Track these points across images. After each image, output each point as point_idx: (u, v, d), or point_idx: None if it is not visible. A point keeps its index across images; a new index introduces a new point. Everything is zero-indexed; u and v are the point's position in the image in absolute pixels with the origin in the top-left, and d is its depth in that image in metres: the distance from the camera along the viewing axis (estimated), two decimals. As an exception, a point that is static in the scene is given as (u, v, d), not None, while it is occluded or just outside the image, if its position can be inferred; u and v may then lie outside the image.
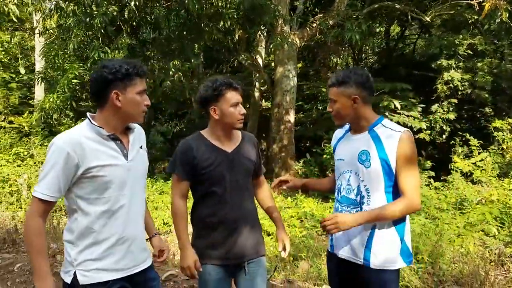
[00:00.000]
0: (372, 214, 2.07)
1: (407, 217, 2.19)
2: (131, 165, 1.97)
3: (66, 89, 9.04)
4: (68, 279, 1.88)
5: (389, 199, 2.12)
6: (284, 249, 2.48)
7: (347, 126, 2.37)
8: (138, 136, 2.08)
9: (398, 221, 2.13)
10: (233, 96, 2.29)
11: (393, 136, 2.09)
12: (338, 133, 2.47)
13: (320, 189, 2.64)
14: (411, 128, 10.38)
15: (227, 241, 2.32)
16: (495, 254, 4.60)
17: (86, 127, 1.92)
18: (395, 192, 2.12)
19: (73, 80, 9.02)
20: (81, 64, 9.11)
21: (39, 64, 12.09)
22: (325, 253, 5.01)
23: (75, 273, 1.87)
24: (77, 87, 9.61)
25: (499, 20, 5.86)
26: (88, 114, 1.95)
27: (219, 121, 2.31)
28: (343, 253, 2.23)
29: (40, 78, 10.32)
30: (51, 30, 9.10)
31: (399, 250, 2.14)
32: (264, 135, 14.88)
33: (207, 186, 2.32)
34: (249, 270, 2.38)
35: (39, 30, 8.13)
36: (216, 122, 2.33)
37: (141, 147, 2.08)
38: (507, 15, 5.31)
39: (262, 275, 2.44)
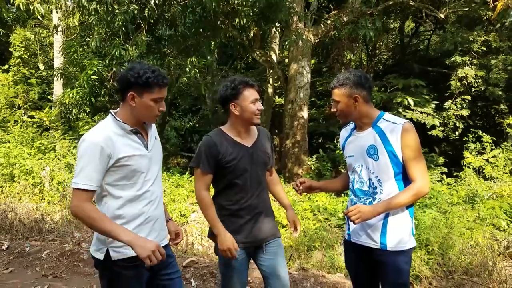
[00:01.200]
0: (389, 203, 2.26)
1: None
2: (151, 154, 2.23)
3: (85, 85, 9.27)
4: (100, 256, 2.11)
5: (400, 186, 2.31)
6: (295, 229, 2.74)
7: (352, 125, 2.57)
8: (153, 129, 2.33)
9: (408, 205, 2.34)
10: (251, 93, 2.50)
11: (396, 128, 2.28)
12: (344, 132, 2.66)
13: (335, 190, 2.84)
14: (424, 124, 10.45)
15: (248, 226, 2.55)
16: (503, 246, 4.71)
17: (112, 123, 2.15)
18: (405, 178, 2.31)
19: (92, 76, 9.26)
20: (100, 61, 9.35)
21: (58, 60, 12.37)
22: (338, 244, 5.20)
23: (107, 250, 2.10)
24: (96, 83, 9.84)
25: (511, 20, 5.92)
26: (111, 111, 2.18)
27: (239, 116, 2.51)
28: (360, 239, 2.43)
29: (59, 74, 10.60)
30: (72, 29, 9.34)
31: (410, 231, 2.36)
32: (277, 131, 15.04)
33: (230, 178, 2.51)
34: (268, 250, 2.60)
35: (61, 28, 8.35)
36: (236, 118, 2.53)
37: (155, 138, 2.33)
38: (519, 14, 5.40)
39: (282, 253, 2.67)
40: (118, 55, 7.58)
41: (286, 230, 5.86)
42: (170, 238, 2.53)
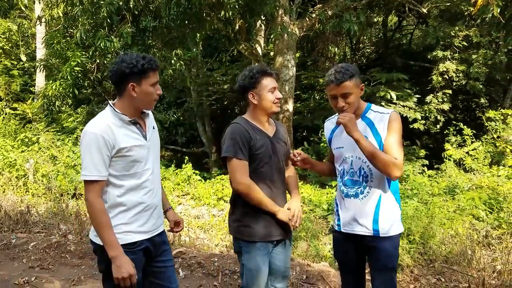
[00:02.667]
0: (370, 145, 2.29)
1: (398, 188, 2.47)
2: (150, 144, 2.28)
3: (68, 77, 9.19)
4: (99, 241, 2.17)
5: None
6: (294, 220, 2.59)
7: (336, 117, 2.54)
8: (151, 118, 2.38)
9: (395, 192, 2.43)
10: (269, 82, 2.51)
11: (384, 117, 2.36)
12: (329, 124, 2.68)
13: (321, 172, 2.86)
14: (406, 118, 10.64)
15: (273, 219, 2.51)
16: (482, 236, 4.88)
17: (110, 114, 2.20)
18: None
19: (75, 68, 9.19)
20: (83, 52, 9.27)
21: (41, 51, 12.20)
22: (322, 234, 5.30)
23: None
24: (79, 75, 9.76)
25: (490, 15, 6.05)
26: (109, 102, 2.24)
27: (258, 105, 2.52)
28: (352, 228, 2.48)
29: (42, 66, 10.47)
30: (55, 20, 9.22)
31: (399, 217, 2.45)
32: (262, 123, 15.07)
33: (256, 166, 2.49)
34: (286, 244, 2.65)
35: (45, 19, 8.24)
36: (255, 107, 2.54)
37: (153, 128, 2.38)
38: (498, 10, 5.51)
39: (290, 246, 2.74)
40: (102, 47, 7.52)
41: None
42: (170, 227, 2.59)
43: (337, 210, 2.61)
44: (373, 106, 2.47)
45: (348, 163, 2.48)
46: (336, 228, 2.61)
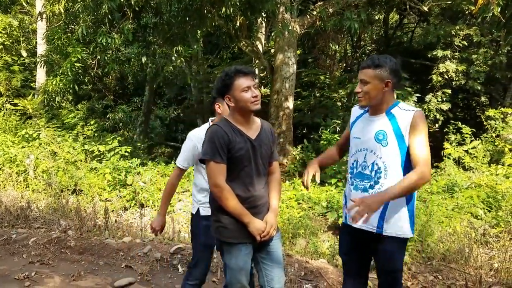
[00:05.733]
0: (394, 191, 2.21)
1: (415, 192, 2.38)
2: None
3: (69, 72, 9.19)
4: (194, 211, 3.05)
5: (405, 173, 2.32)
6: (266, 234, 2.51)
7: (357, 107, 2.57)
8: None
9: (409, 195, 2.36)
10: (242, 81, 2.43)
11: (408, 115, 2.31)
12: (356, 111, 2.63)
13: (333, 162, 2.85)
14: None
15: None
16: (480, 234, 4.90)
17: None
18: (411, 166, 2.32)
19: (76, 64, 9.19)
20: (84, 48, 9.28)
21: (41, 47, 12.21)
22: (321, 231, 5.33)
23: (198, 208, 3.01)
24: (80, 71, 9.76)
25: (491, 14, 6.06)
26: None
27: (235, 107, 2.48)
28: (359, 222, 2.37)
29: (43, 61, 10.47)
30: (56, 16, 9.23)
31: (408, 220, 2.37)
32: (262, 120, 15.07)
33: (235, 169, 2.47)
34: (272, 244, 2.61)
35: (46, 15, 8.25)
36: (233, 109, 2.51)
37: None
38: (499, 9, 5.52)
39: (279, 246, 2.68)
40: (103, 43, 7.53)
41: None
42: None
43: (346, 203, 2.58)
44: (401, 104, 2.41)
45: (362, 155, 2.45)
46: (344, 220, 2.60)
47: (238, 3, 8.22)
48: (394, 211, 2.34)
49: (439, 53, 10.93)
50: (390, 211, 2.34)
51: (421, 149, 2.26)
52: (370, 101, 2.39)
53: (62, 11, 8.32)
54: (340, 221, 5.04)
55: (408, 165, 2.34)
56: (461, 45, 10.90)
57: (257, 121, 2.64)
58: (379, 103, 2.39)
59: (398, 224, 2.34)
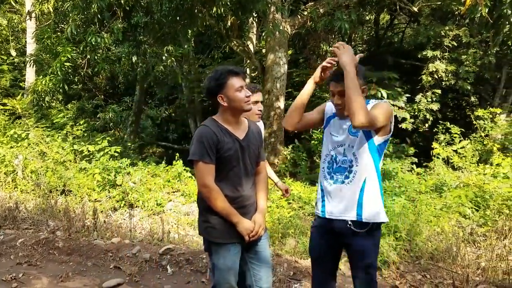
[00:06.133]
0: (354, 79, 2.31)
1: (380, 179, 2.49)
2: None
3: (58, 72, 9.11)
4: None
5: (374, 157, 2.45)
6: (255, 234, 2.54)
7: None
8: None
9: (379, 181, 2.46)
10: (236, 81, 2.46)
11: (372, 104, 2.43)
12: (331, 108, 2.68)
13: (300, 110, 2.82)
14: (395, 117, 10.72)
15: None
16: (468, 233, 4.95)
17: None
18: (379, 150, 2.45)
19: (65, 63, 9.11)
20: (74, 48, 9.21)
21: (31, 46, 12.10)
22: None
23: None
24: (69, 70, 9.69)
25: (479, 15, 6.12)
26: None
27: (228, 107, 2.49)
28: (337, 214, 2.49)
29: (32, 61, 10.38)
30: (45, 15, 9.16)
31: (381, 205, 2.48)
32: (253, 121, 15.03)
33: (224, 169, 2.48)
34: (260, 244, 2.63)
35: (35, 14, 8.18)
36: (225, 109, 2.51)
37: None
38: (486, 10, 5.58)
39: (267, 246, 2.70)
40: (93, 42, 7.48)
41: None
42: None
43: (323, 197, 2.60)
44: (371, 101, 2.51)
45: (341, 152, 2.50)
46: (320, 214, 2.60)
47: (229, 3, 8.22)
48: (369, 198, 2.43)
49: (429, 53, 11.01)
50: (366, 198, 2.43)
51: (378, 111, 2.38)
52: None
53: (51, 10, 8.26)
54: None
55: (376, 150, 2.45)
56: (450, 45, 10.99)
57: (245, 121, 2.65)
58: None
59: (375, 210, 2.43)
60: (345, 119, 2.51)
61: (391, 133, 2.49)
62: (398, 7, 11.40)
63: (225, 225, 2.48)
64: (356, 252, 2.47)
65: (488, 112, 9.20)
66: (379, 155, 2.47)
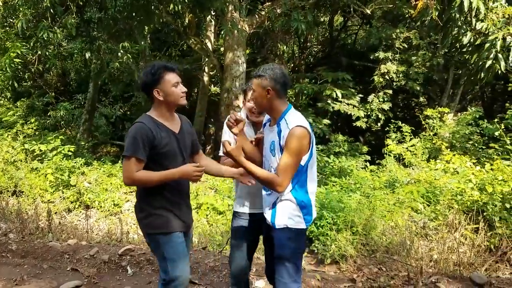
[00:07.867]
0: (255, 170, 2.50)
1: (309, 190, 2.60)
2: None
3: (7, 69, 8.72)
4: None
5: (292, 181, 2.53)
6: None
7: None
8: None
9: (298, 192, 2.56)
10: (172, 77, 2.55)
11: (286, 131, 2.47)
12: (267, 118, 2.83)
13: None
14: (350, 115, 11.05)
15: (184, 212, 2.68)
16: (420, 227, 5.19)
17: None
18: (297, 174, 2.53)
19: (15, 59, 8.72)
20: (24, 43, 8.82)
21: (-24, 41, 11.48)
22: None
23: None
24: (19, 67, 9.28)
25: (429, 18, 6.43)
26: None
27: (163, 101, 2.56)
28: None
29: (-22, 56, 9.86)
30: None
31: (297, 213, 2.56)
32: (212, 119, 15.04)
33: (162, 164, 2.53)
34: (189, 235, 2.86)
35: (-18, 6, 7.77)
36: (160, 103, 2.57)
37: None
38: (437, 13, 5.87)
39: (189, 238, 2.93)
40: (45, 38, 7.21)
41: (222, 216, 6.01)
42: None
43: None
44: (288, 114, 2.56)
45: (265, 162, 2.70)
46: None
47: (186, 0, 8.15)
48: (282, 205, 2.56)
49: (381, 55, 11.41)
50: (280, 206, 2.57)
51: (284, 163, 2.45)
52: (259, 107, 2.65)
53: (0, 4, 7.87)
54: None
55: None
56: (401, 47, 11.43)
57: (176, 115, 2.73)
58: (269, 110, 2.61)
59: (287, 217, 2.55)
60: (269, 129, 2.68)
61: (311, 149, 2.56)
62: (352, 9, 11.72)
63: (169, 215, 2.58)
64: (273, 243, 2.66)
65: (436, 112, 9.65)
66: (297, 175, 2.53)
